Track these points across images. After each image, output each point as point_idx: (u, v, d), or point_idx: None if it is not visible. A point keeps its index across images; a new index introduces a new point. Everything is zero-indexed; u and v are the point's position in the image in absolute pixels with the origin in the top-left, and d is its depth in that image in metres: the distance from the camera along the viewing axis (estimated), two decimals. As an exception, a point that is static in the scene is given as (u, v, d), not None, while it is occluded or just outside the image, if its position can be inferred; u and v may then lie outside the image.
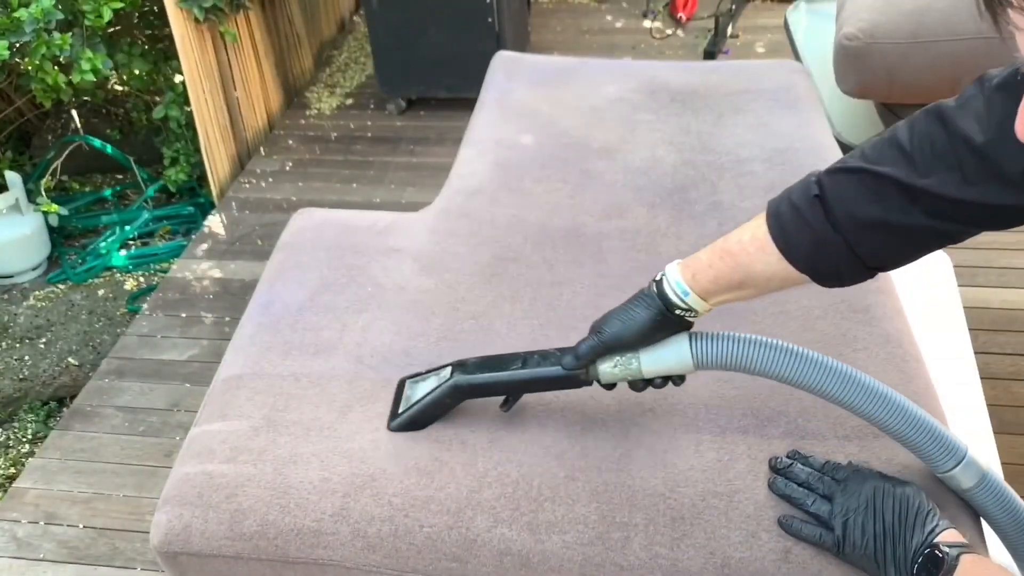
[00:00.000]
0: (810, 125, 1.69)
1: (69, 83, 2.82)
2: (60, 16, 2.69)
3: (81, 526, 2.11)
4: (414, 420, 1.09)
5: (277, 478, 1.03)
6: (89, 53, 2.76)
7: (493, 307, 1.28)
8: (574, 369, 1.01)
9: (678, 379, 1.01)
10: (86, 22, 2.80)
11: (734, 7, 4.20)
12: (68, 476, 2.24)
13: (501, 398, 1.08)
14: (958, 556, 0.82)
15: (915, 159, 0.83)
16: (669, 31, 4.23)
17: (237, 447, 1.08)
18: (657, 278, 0.97)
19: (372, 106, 3.80)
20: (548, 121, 1.76)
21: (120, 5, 2.84)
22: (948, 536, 0.85)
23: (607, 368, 1.00)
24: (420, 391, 1.10)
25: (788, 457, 1.01)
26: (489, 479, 1.02)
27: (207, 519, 1.01)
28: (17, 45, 2.66)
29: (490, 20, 3.37)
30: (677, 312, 0.95)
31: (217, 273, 2.93)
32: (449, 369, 1.09)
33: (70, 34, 2.74)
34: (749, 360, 0.94)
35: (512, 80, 1.95)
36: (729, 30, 4.08)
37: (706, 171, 1.56)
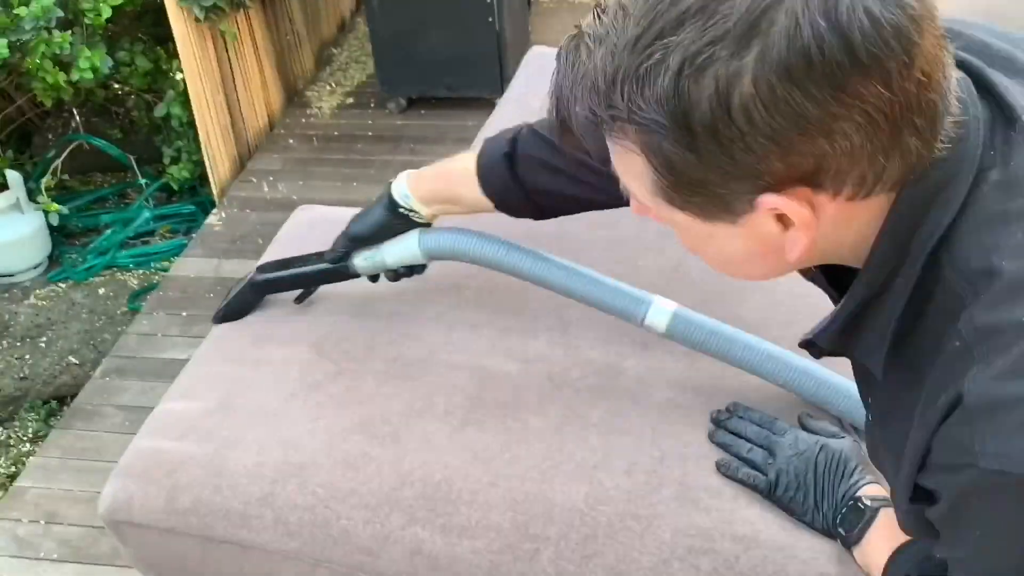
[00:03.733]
0: None
1: (70, 82, 2.82)
2: (60, 14, 2.69)
3: (82, 525, 2.11)
4: (227, 312, 1.28)
5: (216, 459, 1.07)
6: (88, 52, 2.76)
7: (458, 308, 1.28)
8: (334, 262, 1.19)
9: (419, 268, 1.20)
10: (86, 21, 2.80)
11: (735, 6, 4.19)
12: (69, 475, 2.24)
13: None
14: (877, 509, 0.89)
15: None
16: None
17: (189, 426, 1.12)
18: (391, 181, 1.16)
19: (373, 105, 3.79)
20: None
21: (119, 2, 2.83)
22: (871, 490, 0.91)
23: (360, 261, 1.18)
24: (233, 291, 1.30)
25: (727, 410, 1.06)
26: (412, 478, 1.03)
27: (147, 492, 1.06)
28: (18, 44, 2.66)
29: (490, 20, 3.37)
30: (402, 211, 1.14)
31: (218, 272, 2.93)
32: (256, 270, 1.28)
33: (69, 32, 2.75)
34: (465, 249, 1.13)
35: (541, 77, 1.92)
36: (730, 29, 4.08)
37: None
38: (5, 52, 2.57)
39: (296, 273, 1.24)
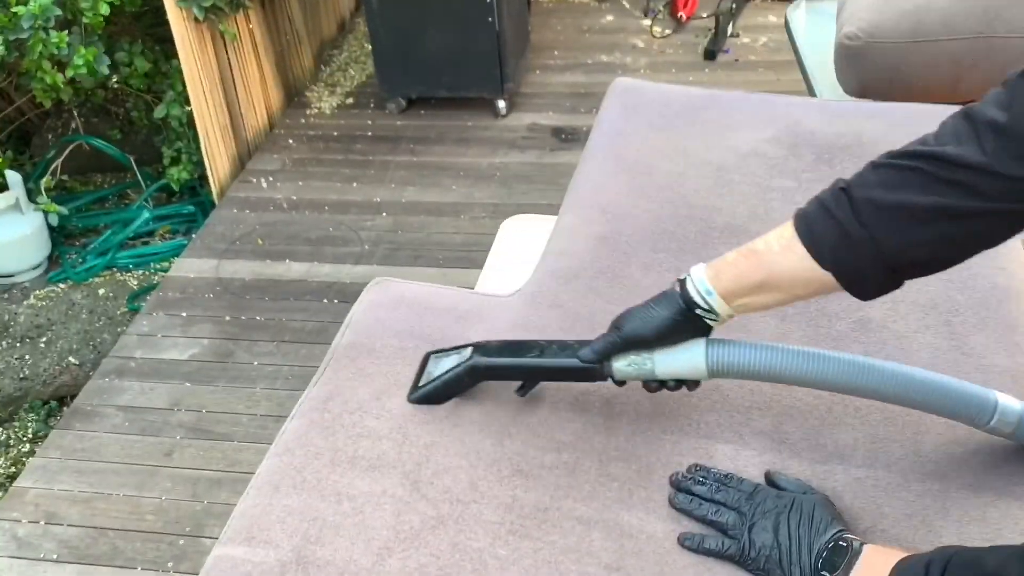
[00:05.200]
0: None
1: (69, 82, 2.82)
2: (58, 13, 2.68)
3: (82, 525, 2.11)
4: (431, 395, 1.10)
5: None
6: (83, 49, 2.75)
7: (580, 437, 1.08)
8: (590, 362, 1.01)
9: (692, 384, 1.00)
10: (84, 20, 2.80)
11: (735, 6, 4.20)
12: (68, 476, 2.24)
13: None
14: (861, 545, 0.86)
15: (937, 142, 0.83)
16: (669, 30, 4.24)
17: None
18: (681, 277, 0.95)
19: (372, 105, 3.79)
20: (667, 181, 1.50)
21: (117, 0, 2.83)
22: (850, 537, 0.89)
23: (621, 365, 0.99)
24: (441, 367, 1.11)
25: (688, 472, 1.01)
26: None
27: None
28: (16, 43, 2.65)
29: (490, 20, 3.37)
30: (698, 312, 0.93)
31: (217, 272, 2.93)
32: (470, 349, 1.09)
33: (67, 32, 2.74)
34: (765, 367, 0.94)
35: (629, 119, 1.67)
36: (730, 29, 4.08)
37: None
38: (2, 51, 2.56)
39: (529, 365, 1.06)
